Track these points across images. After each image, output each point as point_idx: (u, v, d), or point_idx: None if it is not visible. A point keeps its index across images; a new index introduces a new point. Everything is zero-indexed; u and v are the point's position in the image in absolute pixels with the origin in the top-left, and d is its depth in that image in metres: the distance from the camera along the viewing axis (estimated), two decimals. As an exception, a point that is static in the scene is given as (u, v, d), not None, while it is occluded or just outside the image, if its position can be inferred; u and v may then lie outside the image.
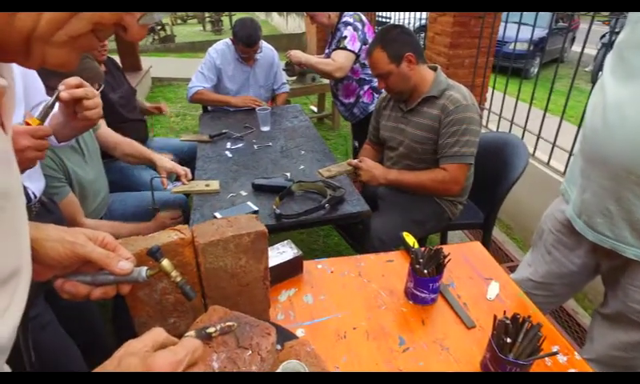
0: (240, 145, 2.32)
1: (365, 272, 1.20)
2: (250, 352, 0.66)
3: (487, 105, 3.64)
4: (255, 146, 2.29)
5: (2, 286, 0.41)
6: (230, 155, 2.19)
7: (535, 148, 2.99)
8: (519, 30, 3.11)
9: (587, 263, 1.26)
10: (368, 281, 1.17)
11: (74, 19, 0.39)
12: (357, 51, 2.65)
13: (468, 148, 1.77)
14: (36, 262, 0.57)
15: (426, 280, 1.05)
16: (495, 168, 2.11)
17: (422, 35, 4.95)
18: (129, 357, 0.46)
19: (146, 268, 0.64)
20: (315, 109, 5.08)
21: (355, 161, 1.88)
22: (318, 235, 2.87)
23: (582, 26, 8.56)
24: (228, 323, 0.70)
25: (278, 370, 0.65)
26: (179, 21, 13.70)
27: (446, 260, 1.06)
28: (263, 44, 2.91)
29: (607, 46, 7.45)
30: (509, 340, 0.85)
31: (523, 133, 2.95)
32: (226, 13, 10.88)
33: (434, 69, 1.89)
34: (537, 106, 2.95)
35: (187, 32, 11.76)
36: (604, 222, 1.09)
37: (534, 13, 2.82)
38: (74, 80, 0.90)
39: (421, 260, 1.07)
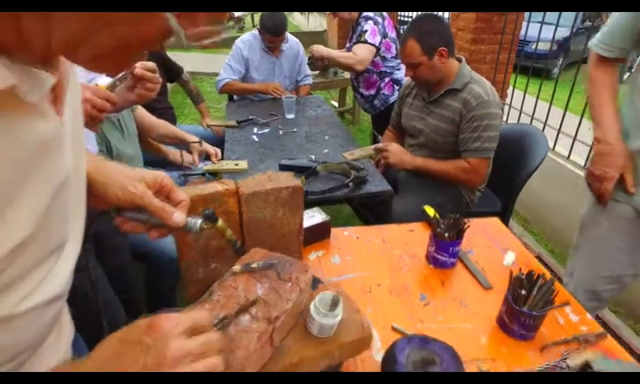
0: (266, 130, 2.41)
1: (388, 239, 1.28)
2: (290, 284, 0.74)
3: (508, 100, 3.67)
4: (280, 132, 2.38)
5: (51, 254, 0.48)
6: (256, 139, 2.28)
7: (555, 142, 3.02)
8: (541, 29, 3.14)
9: None
10: (391, 247, 1.24)
11: (92, 38, 0.37)
12: (377, 44, 2.72)
13: (490, 143, 1.83)
14: (95, 197, 0.65)
15: (446, 244, 1.12)
16: (514, 158, 2.15)
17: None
18: (154, 335, 0.47)
19: (201, 221, 0.69)
20: (336, 104, 5.16)
21: (382, 144, 1.95)
22: (337, 221, 2.95)
23: (607, 28, 8.41)
24: (270, 261, 0.79)
25: (315, 301, 0.73)
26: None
27: (466, 226, 1.13)
28: (289, 36, 3.01)
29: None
30: (523, 292, 0.92)
31: (544, 127, 2.98)
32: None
33: (459, 60, 1.94)
34: (557, 106, 2.98)
35: (209, 29, 11.95)
36: None
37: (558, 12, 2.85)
38: (150, 64, 1.05)
39: (442, 225, 1.14)
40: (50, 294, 0.50)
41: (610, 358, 0.82)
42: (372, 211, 2.15)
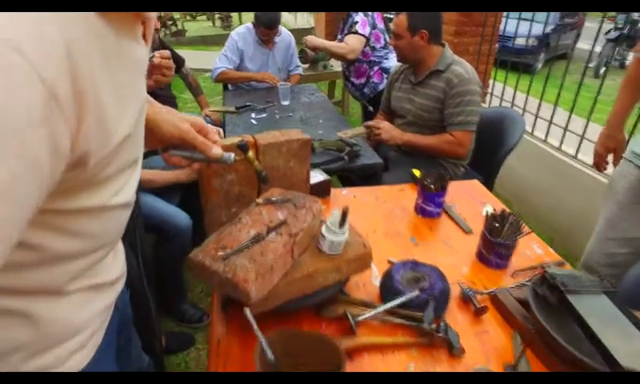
0: (263, 115, 2.56)
1: (381, 196, 1.45)
2: (305, 210, 0.90)
3: (490, 90, 3.87)
4: (277, 116, 2.54)
5: (131, 165, 0.61)
6: (255, 123, 2.43)
7: (534, 127, 3.22)
8: (518, 24, 3.35)
9: None
10: (384, 202, 1.41)
11: None
12: (367, 35, 2.90)
13: (472, 117, 2.01)
14: (150, 135, 0.80)
15: (432, 195, 1.29)
16: (495, 138, 2.33)
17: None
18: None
19: (233, 154, 0.85)
20: (325, 96, 5.32)
21: (373, 122, 2.12)
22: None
23: (587, 24, 8.72)
24: (287, 196, 0.94)
25: (326, 222, 0.88)
26: (188, 17, 13.93)
27: (449, 179, 1.30)
28: (282, 28, 3.16)
29: (614, 41, 7.68)
30: (497, 224, 1.09)
31: (523, 112, 3.19)
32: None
33: (443, 45, 2.13)
34: (535, 97, 3.18)
35: (197, 27, 12.02)
36: None
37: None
38: (166, 53, 1.20)
39: (428, 180, 1.31)
40: (126, 199, 0.64)
41: (562, 269, 0.99)
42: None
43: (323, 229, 0.88)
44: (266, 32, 3.00)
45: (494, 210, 1.13)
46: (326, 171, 1.86)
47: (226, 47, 3.11)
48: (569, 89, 2.87)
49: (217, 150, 0.81)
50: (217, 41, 8.93)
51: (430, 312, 0.90)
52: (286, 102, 2.77)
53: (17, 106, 0.35)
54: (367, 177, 2.08)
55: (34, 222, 0.48)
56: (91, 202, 0.55)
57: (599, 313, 0.85)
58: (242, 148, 0.85)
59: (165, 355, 1.89)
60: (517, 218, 1.11)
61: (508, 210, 1.14)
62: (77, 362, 0.66)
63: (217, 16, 12.44)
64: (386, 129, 2.08)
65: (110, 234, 0.65)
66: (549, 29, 8.23)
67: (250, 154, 0.87)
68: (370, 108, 3.20)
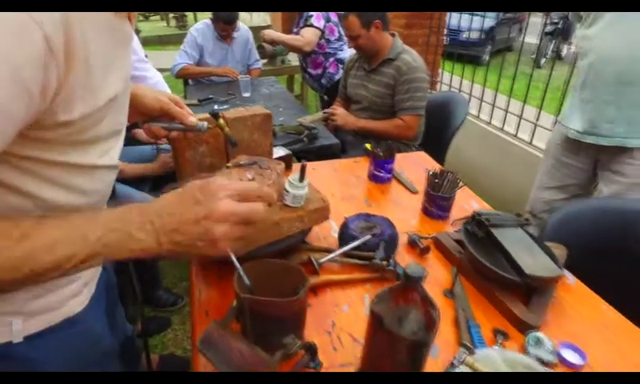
0: (226, 107, 2.67)
1: (338, 168, 1.61)
2: (269, 171, 1.04)
3: (439, 78, 4.12)
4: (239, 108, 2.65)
5: (115, 133, 0.72)
6: (218, 113, 2.54)
7: (479, 111, 3.48)
8: (461, 18, 3.60)
9: (589, 160, 1.71)
10: (341, 172, 1.57)
11: None
12: (322, 28, 3.06)
13: (419, 102, 2.20)
14: (133, 108, 0.92)
15: (382, 162, 1.46)
16: (442, 120, 2.54)
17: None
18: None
19: (206, 123, 0.99)
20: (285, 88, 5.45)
21: (330, 109, 2.28)
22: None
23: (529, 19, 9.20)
24: (253, 159, 1.08)
25: (289, 178, 1.02)
26: (141, 17, 13.64)
27: (396, 149, 1.47)
28: (239, 24, 3.27)
29: (551, 34, 8.22)
30: (437, 180, 1.27)
31: (469, 98, 3.45)
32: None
33: (393, 35, 2.31)
34: (483, 85, 3.45)
35: (151, 27, 11.82)
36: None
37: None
38: None
39: (378, 149, 1.48)
40: (113, 162, 0.74)
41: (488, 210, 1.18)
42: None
43: (286, 184, 1.02)
44: (224, 27, 3.11)
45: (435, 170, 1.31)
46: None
47: (185, 43, 3.19)
48: (511, 77, 3.13)
49: (192, 119, 0.95)
50: (172, 40, 8.87)
51: (381, 252, 1.06)
52: (247, 94, 2.88)
53: (23, 50, 0.47)
54: (325, 157, 2.24)
55: (30, 171, 0.59)
56: (82, 160, 0.65)
57: (515, 240, 1.04)
58: (213, 116, 0.98)
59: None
60: (454, 175, 1.29)
61: (446, 171, 1.32)
62: (74, 305, 0.78)
63: (171, 15, 12.27)
64: (341, 115, 2.24)
65: (99, 193, 0.75)
66: (494, 23, 8.71)
67: (221, 121, 1.00)
68: (325, 97, 3.36)
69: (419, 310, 0.69)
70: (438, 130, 2.53)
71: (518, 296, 0.98)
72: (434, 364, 0.83)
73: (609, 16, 1.49)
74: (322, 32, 3.07)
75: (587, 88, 1.59)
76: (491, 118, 3.37)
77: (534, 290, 0.99)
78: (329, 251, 1.09)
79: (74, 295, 0.77)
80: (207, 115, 1.09)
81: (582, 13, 1.62)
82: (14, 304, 0.68)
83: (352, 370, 0.83)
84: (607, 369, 0.86)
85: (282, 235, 1.01)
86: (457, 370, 0.71)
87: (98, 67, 0.59)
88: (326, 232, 1.21)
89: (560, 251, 1.14)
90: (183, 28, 11.74)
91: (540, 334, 0.89)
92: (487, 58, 8.77)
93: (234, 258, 0.77)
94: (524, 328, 0.92)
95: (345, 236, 1.12)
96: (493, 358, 0.75)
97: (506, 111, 3.13)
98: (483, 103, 3.41)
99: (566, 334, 0.93)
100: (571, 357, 0.86)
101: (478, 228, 1.08)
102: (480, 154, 3.41)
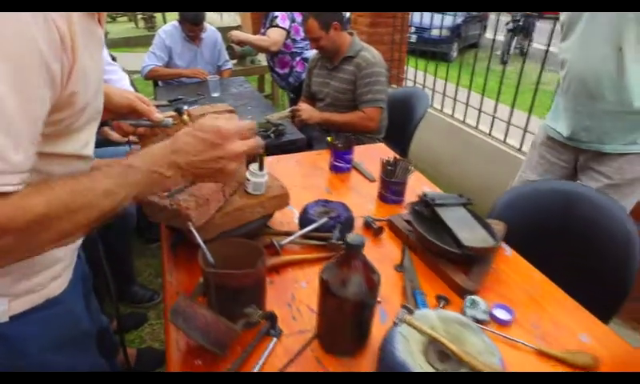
0: (195, 106, 2.72)
1: (301, 160, 1.71)
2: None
3: (405, 75, 4.27)
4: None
5: (93, 119, 0.81)
6: (187, 113, 2.60)
7: (442, 104, 3.64)
8: (422, 16, 3.75)
9: (570, 160, 1.80)
10: (303, 165, 1.67)
11: None
12: (287, 28, 3.15)
13: (379, 95, 2.32)
14: (104, 108, 1.00)
15: (341, 153, 1.56)
16: (405, 114, 2.67)
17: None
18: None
19: (171, 119, 1.08)
20: (253, 87, 5.51)
21: (295, 106, 2.37)
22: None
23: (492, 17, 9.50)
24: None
25: (249, 167, 1.11)
26: (108, 19, 13.42)
27: (359, 142, 1.58)
28: (207, 25, 3.33)
29: (513, 32, 8.52)
30: (390, 168, 1.38)
31: (433, 93, 3.60)
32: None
33: (351, 34, 2.43)
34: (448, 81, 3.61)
35: (119, 29, 11.66)
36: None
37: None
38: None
39: (337, 141, 1.58)
40: (90, 153, 0.83)
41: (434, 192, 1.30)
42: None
43: (247, 173, 1.11)
44: (192, 28, 3.16)
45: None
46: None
47: (153, 45, 3.23)
48: (480, 74, 3.27)
49: (159, 115, 1.04)
50: (140, 42, 8.76)
51: (337, 233, 1.16)
52: (216, 94, 2.95)
53: (47, 42, 0.57)
54: (291, 151, 2.34)
55: None
56: (66, 149, 0.74)
57: (457, 218, 1.16)
58: (178, 111, 1.07)
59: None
60: (406, 162, 1.41)
61: (400, 159, 1.44)
62: (55, 287, 0.85)
63: (139, 16, 12.13)
64: (306, 110, 2.34)
65: None
66: (459, 21, 8.99)
67: (185, 116, 1.09)
68: (292, 95, 3.46)
69: (361, 275, 0.79)
70: (401, 124, 2.66)
71: (460, 266, 1.10)
72: (382, 328, 0.93)
73: (578, 32, 1.56)
74: (288, 32, 3.16)
75: (566, 96, 1.68)
76: (453, 111, 3.52)
77: (473, 261, 1.11)
78: (289, 234, 1.19)
79: (54, 278, 0.84)
80: (173, 112, 1.17)
81: (560, 24, 1.69)
82: (0, 287, 0.75)
83: (309, 336, 0.92)
84: (530, 323, 0.98)
85: (245, 220, 1.11)
86: (398, 329, 0.81)
87: (88, 63, 0.68)
88: (289, 218, 1.31)
89: (500, 227, 1.26)
90: (152, 29, 11.63)
91: (476, 297, 1.01)
92: (455, 54, 9.07)
93: (198, 238, 0.87)
94: (463, 293, 1.04)
95: (304, 220, 1.22)
96: (429, 316, 0.85)
97: (467, 104, 3.29)
98: (446, 97, 3.57)
99: (500, 297, 1.05)
100: (501, 314, 0.98)
101: (425, 208, 1.20)
102: (444, 146, 3.57)
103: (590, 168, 1.71)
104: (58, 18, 0.58)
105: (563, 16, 1.64)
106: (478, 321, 0.96)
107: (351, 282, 0.78)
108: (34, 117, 0.58)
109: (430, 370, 0.77)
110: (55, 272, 0.84)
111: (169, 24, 3.27)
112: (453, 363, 0.78)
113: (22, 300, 0.78)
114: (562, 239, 1.43)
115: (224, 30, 3.69)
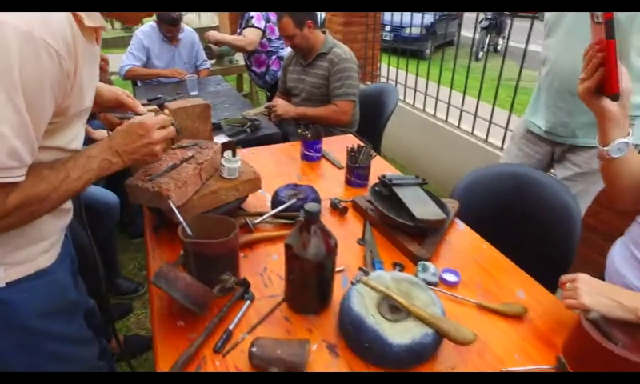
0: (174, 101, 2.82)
1: (274, 151, 1.83)
2: (208, 149, 1.24)
3: (379, 71, 4.41)
4: (187, 104, 2.81)
5: (83, 114, 0.93)
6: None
7: (414, 99, 3.79)
8: (402, 15, 3.89)
9: (547, 152, 1.90)
10: (277, 155, 1.79)
11: None
12: (262, 28, 3.26)
13: (351, 89, 2.45)
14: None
15: (311, 143, 1.69)
16: (376, 109, 2.81)
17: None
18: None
19: (154, 113, 1.18)
20: (231, 86, 5.60)
21: (271, 102, 2.49)
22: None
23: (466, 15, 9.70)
24: (194, 142, 1.28)
25: (224, 154, 1.23)
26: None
27: (322, 131, 1.70)
28: (184, 25, 3.42)
29: (486, 29, 8.77)
30: (353, 154, 1.51)
31: (405, 88, 3.75)
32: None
33: (324, 32, 2.55)
34: (430, 79, 3.74)
35: (97, 33, 11.52)
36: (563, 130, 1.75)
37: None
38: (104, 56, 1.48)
39: (307, 132, 1.70)
40: (77, 146, 0.94)
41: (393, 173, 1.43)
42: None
43: (222, 160, 1.23)
44: (168, 29, 3.24)
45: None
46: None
47: (131, 45, 3.30)
48: (459, 72, 3.40)
49: (142, 108, 1.15)
50: (117, 43, 8.73)
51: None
52: (194, 93, 3.04)
53: (47, 73, 0.71)
54: (267, 145, 2.46)
55: None
56: (56, 143, 0.85)
57: (412, 195, 1.29)
58: (159, 106, 1.18)
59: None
60: (369, 148, 1.54)
61: (363, 146, 1.57)
62: (44, 260, 0.96)
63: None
64: (281, 105, 2.46)
65: None
66: (433, 19, 9.20)
67: (166, 110, 1.20)
68: (268, 93, 3.57)
69: (320, 239, 0.92)
70: (373, 118, 2.79)
71: (414, 238, 1.23)
72: (343, 291, 1.06)
73: (563, 30, 1.66)
74: (263, 32, 3.27)
75: (546, 92, 1.78)
76: (424, 106, 3.68)
77: (426, 232, 1.25)
78: (262, 215, 1.30)
79: (44, 251, 0.94)
80: (155, 107, 1.28)
81: (544, 22, 1.76)
82: None
83: (279, 299, 1.04)
84: (475, 284, 1.12)
85: (221, 202, 1.22)
86: (354, 287, 0.94)
87: (85, 80, 0.83)
88: (262, 202, 1.43)
89: (454, 205, 1.41)
90: (128, 30, 11.52)
91: (427, 263, 1.14)
92: (429, 52, 9.28)
93: (178, 214, 0.98)
94: (417, 260, 1.17)
95: (275, 202, 1.34)
96: (383, 277, 0.98)
97: (437, 99, 3.45)
98: (417, 93, 3.73)
99: (449, 263, 1.19)
100: (449, 277, 1.12)
101: (384, 187, 1.33)
102: (416, 139, 3.72)
103: (565, 159, 1.83)
104: (66, 56, 0.73)
105: (548, 14, 1.75)
106: (428, 283, 1.09)
107: (311, 244, 0.90)
108: (41, 128, 0.76)
109: (382, 320, 0.90)
110: (44, 247, 0.95)
111: (146, 25, 3.34)
112: (402, 314, 0.92)
113: (16, 269, 0.89)
114: (513, 218, 1.57)
115: (202, 31, 3.77)
